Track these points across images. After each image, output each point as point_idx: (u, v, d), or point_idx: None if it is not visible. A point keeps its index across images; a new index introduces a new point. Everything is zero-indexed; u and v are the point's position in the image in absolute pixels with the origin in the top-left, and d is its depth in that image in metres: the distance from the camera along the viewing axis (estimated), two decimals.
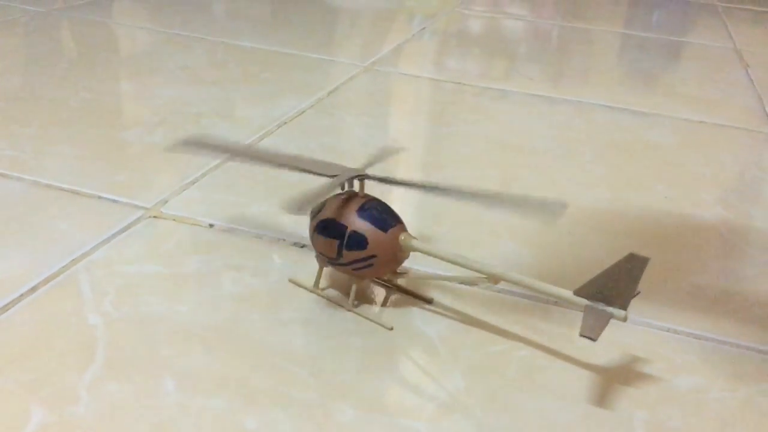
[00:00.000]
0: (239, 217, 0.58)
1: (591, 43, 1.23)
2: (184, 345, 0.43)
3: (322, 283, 0.50)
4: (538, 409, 0.41)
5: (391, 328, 0.46)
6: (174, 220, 0.57)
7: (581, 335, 0.39)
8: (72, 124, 0.73)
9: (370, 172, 0.47)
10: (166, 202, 0.60)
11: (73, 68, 0.89)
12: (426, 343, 0.45)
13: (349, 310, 0.48)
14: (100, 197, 0.60)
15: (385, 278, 0.50)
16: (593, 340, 0.39)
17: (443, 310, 0.49)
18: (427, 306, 0.49)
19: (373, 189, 0.61)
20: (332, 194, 0.46)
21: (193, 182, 0.63)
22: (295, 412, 0.39)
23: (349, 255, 0.45)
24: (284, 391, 0.41)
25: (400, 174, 0.69)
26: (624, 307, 0.40)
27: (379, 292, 0.50)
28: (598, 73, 1.06)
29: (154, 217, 0.57)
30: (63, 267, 0.50)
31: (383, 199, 0.48)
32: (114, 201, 0.59)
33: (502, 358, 0.44)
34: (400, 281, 0.50)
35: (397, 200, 0.63)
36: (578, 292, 0.41)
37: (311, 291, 0.49)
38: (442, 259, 0.45)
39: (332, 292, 0.50)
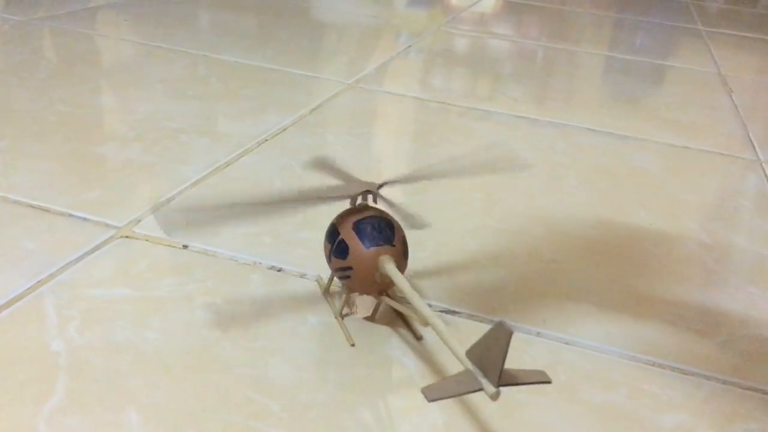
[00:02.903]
0: (215, 238, 0.56)
1: (575, 65, 1.23)
2: (151, 375, 0.41)
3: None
4: None
5: (353, 345, 0.46)
6: (147, 240, 0.55)
7: (422, 390, 0.35)
8: (45, 138, 0.71)
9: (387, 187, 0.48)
10: (140, 221, 0.58)
11: (50, 80, 0.87)
12: (405, 376, 0.44)
13: (335, 318, 0.48)
14: (70, 215, 0.57)
15: (390, 302, 0.48)
16: (427, 400, 0.35)
17: (424, 341, 0.47)
18: (409, 336, 0.47)
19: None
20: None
21: (168, 201, 0.61)
22: None
23: (335, 261, 0.46)
24: (254, 426, 0.39)
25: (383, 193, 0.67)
26: (494, 383, 0.35)
27: (386, 316, 0.48)
28: (582, 95, 1.06)
29: (126, 237, 0.55)
30: (27, 289, 0.48)
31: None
32: (85, 219, 0.57)
33: (481, 393, 0.43)
34: (406, 309, 0.49)
35: None
36: (468, 353, 0.37)
37: (322, 294, 0.51)
38: (399, 289, 0.43)
39: (337, 300, 0.50)
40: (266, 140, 0.76)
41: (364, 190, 0.47)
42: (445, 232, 0.61)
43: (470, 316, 0.50)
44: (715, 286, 0.58)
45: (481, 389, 0.36)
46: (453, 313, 0.50)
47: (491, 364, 0.35)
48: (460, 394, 0.36)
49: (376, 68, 1.07)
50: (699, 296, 0.56)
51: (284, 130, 0.80)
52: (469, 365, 0.37)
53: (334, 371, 0.43)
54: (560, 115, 0.95)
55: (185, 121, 0.79)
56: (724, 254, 0.63)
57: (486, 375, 0.36)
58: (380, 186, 0.47)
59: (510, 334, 0.34)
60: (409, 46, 1.22)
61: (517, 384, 0.37)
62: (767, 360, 0.49)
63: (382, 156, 0.76)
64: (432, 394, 0.35)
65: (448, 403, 0.42)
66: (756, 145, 0.91)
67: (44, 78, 0.87)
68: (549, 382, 0.38)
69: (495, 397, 0.35)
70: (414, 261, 0.56)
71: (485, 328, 0.49)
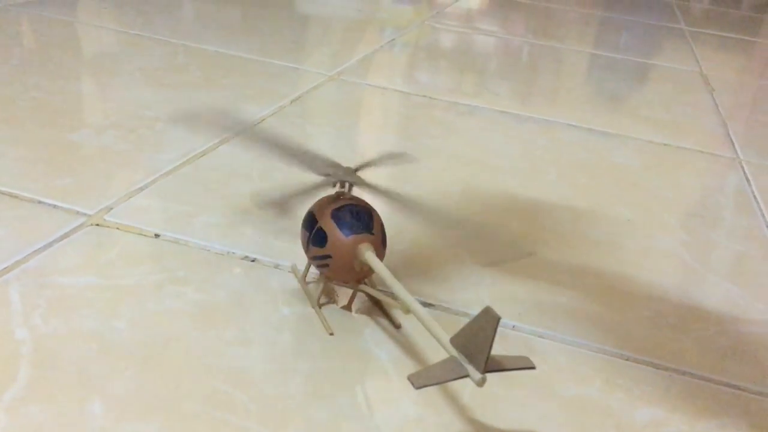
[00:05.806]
0: (188, 227, 0.55)
1: (560, 62, 1.23)
2: (116, 364, 0.41)
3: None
4: None
5: (332, 334, 0.45)
6: (118, 228, 0.54)
7: (408, 377, 0.35)
8: (17, 124, 0.70)
9: (362, 174, 0.47)
10: (111, 209, 0.57)
11: (26, 66, 0.85)
12: (377, 367, 0.43)
13: (313, 307, 0.47)
14: (40, 202, 0.56)
15: (368, 290, 0.47)
16: (414, 387, 0.35)
17: (399, 332, 0.47)
18: (383, 326, 0.47)
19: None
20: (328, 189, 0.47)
21: (141, 189, 0.60)
22: None
23: (312, 250, 0.45)
24: (221, 416, 0.38)
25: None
26: (480, 369, 0.35)
27: (363, 305, 0.48)
28: (565, 92, 1.05)
29: (97, 224, 0.54)
30: None
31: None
32: (54, 206, 0.56)
33: (455, 386, 0.42)
34: (385, 297, 0.48)
35: None
36: (452, 340, 0.37)
37: (299, 282, 0.50)
38: (379, 277, 0.43)
39: (313, 289, 0.49)
40: (244, 130, 0.75)
41: (343, 178, 0.46)
42: (422, 224, 0.61)
43: (446, 309, 0.50)
44: (692, 283, 0.58)
45: (467, 376, 0.35)
46: (428, 305, 0.50)
47: (477, 350, 0.35)
48: (446, 381, 0.35)
49: (358, 61, 1.06)
50: (676, 292, 0.56)
51: (263, 120, 0.79)
52: (454, 352, 0.36)
53: (306, 362, 0.43)
54: (543, 111, 0.94)
55: (162, 110, 0.77)
56: (701, 251, 0.63)
57: (471, 361, 0.35)
58: (356, 170, 0.47)
59: (497, 319, 0.34)
60: (393, 40, 1.21)
61: (502, 370, 0.37)
62: (741, 356, 0.49)
63: (360, 148, 0.75)
64: (419, 381, 0.35)
65: (421, 396, 0.41)
66: (736, 144, 0.91)
67: (18, 65, 0.86)
68: (533, 368, 0.38)
69: (481, 383, 0.35)
70: (391, 253, 0.56)
71: (461, 320, 0.49)
